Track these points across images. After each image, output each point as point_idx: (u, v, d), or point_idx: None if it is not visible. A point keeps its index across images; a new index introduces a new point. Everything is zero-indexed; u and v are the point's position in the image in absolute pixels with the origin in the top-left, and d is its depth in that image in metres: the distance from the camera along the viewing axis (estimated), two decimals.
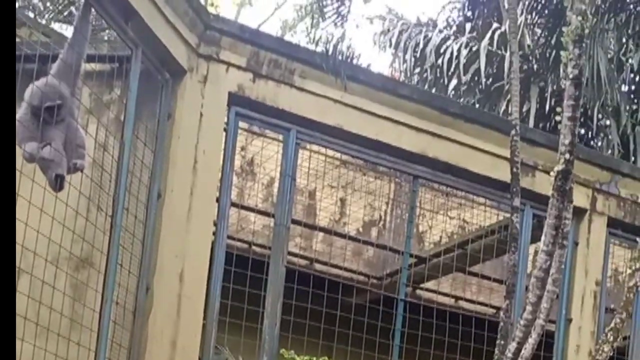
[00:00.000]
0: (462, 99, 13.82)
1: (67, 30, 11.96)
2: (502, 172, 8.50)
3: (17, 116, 6.05)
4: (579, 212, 9.00)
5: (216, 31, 7.72)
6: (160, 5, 7.02)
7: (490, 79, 14.25)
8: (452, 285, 11.31)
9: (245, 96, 7.92)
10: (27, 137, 6.03)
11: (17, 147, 6.04)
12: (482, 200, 9.86)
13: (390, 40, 14.13)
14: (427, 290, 11.10)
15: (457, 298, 11.07)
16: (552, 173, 5.91)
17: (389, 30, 14.21)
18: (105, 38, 7.77)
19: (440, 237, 11.90)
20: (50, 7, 12.74)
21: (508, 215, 8.31)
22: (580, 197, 9.07)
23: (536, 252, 7.92)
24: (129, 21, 6.71)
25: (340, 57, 8.38)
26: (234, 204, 8.50)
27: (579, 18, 5.62)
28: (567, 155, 5.78)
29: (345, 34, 8.94)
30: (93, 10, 6.36)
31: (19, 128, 6.03)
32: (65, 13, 12.57)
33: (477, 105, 14.00)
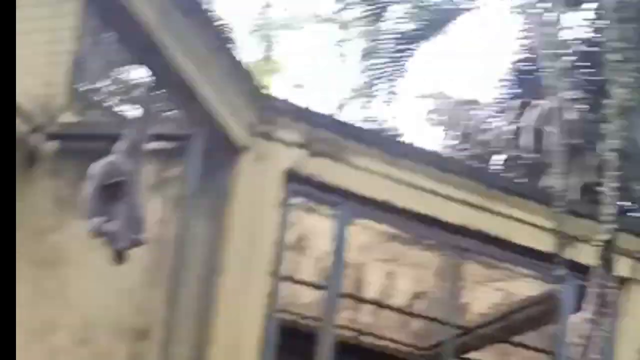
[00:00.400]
0: (506, 174, 13.70)
1: (132, 112, 12.16)
2: (545, 244, 8.41)
3: (84, 192, 6.08)
4: (621, 282, 8.82)
5: (272, 111, 7.75)
6: (221, 87, 7.06)
7: (534, 154, 14.12)
8: (496, 356, 11.10)
9: (299, 173, 7.90)
10: (92, 212, 6.05)
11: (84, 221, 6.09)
12: (526, 271, 9.71)
13: (439, 118, 14.12)
14: None
15: None
16: (595, 243, 5.81)
17: (437, 108, 14.22)
18: (168, 118, 7.80)
19: (485, 308, 11.71)
20: (117, 91, 12.94)
21: (552, 285, 8.16)
22: (623, 267, 8.87)
23: (580, 322, 7.84)
24: (190, 102, 6.75)
25: (390, 134, 8.36)
26: (286, 278, 8.43)
27: (622, 91, 5.57)
28: (609, 226, 5.69)
29: (395, 112, 8.98)
30: (158, 91, 6.40)
31: (85, 203, 6.06)
32: (130, 96, 12.76)
33: (520, 180, 13.86)
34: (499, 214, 8.65)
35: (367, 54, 9.30)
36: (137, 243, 6.22)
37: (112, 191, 6.05)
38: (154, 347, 6.66)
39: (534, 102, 13.89)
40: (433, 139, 14.51)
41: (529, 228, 8.72)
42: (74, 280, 5.71)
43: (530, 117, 13.63)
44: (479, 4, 10.57)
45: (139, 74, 13.96)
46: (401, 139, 8.67)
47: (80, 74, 12.87)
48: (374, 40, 9.25)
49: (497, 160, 14.17)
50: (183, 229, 6.72)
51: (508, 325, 10.08)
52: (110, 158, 6.11)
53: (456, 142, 13.89)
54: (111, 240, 6.03)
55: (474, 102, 14.42)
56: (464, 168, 8.97)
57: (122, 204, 6.13)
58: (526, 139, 13.48)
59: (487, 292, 11.44)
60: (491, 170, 12.64)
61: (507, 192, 8.71)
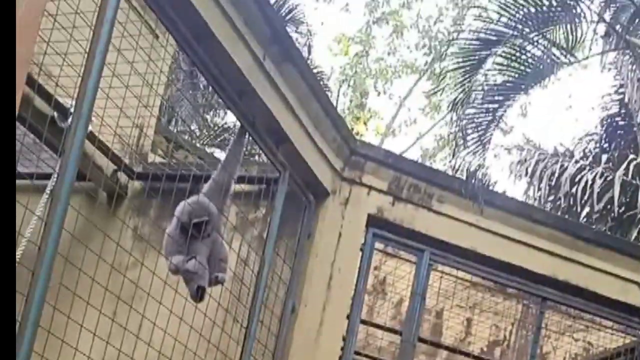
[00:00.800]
0: (594, 226, 13.33)
1: (220, 154, 12.25)
2: (631, 296, 8.15)
3: (167, 230, 6.03)
4: None
5: (361, 156, 7.61)
6: (310, 131, 6.96)
7: (623, 208, 13.73)
8: None
9: (384, 218, 7.73)
10: (174, 250, 5.99)
11: (164, 259, 6.02)
12: (608, 323, 9.34)
13: (527, 169, 13.87)
14: None
15: None
16: None
17: (525, 160, 13.96)
18: (256, 160, 7.75)
19: (564, 358, 11.34)
20: (206, 133, 13.04)
21: (634, 337, 7.84)
22: None
23: None
24: (279, 146, 6.66)
25: (478, 183, 8.16)
26: (363, 321, 8.25)
27: None
28: None
29: (484, 162, 8.76)
30: (247, 135, 6.33)
31: (168, 241, 6.00)
32: (219, 139, 12.86)
33: (608, 232, 13.49)
34: (584, 265, 8.33)
35: (458, 104, 9.10)
36: (217, 282, 6.15)
37: (196, 231, 5.99)
38: None
39: (628, 155, 13.58)
40: (519, 190, 14.26)
41: (614, 280, 8.38)
42: (151, 316, 5.62)
43: (621, 171, 13.29)
44: (576, 59, 10.23)
45: (228, 117, 14.20)
46: (488, 188, 8.38)
47: (170, 116, 13.08)
48: (466, 91, 9.05)
49: (586, 212, 13.83)
50: (264, 269, 6.57)
51: None
52: (196, 198, 6.04)
53: (542, 193, 13.59)
54: (191, 278, 5.96)
55: (565, 154, 14.12)
56: (551, 218, 8.64)
57: (204, 243, 6.07)
58: (617, 192, 13.10)
59: (568, 343, 11.10)
60: (578, 222, 12.26)
61: (594, 244, 8.37)
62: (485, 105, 9.10)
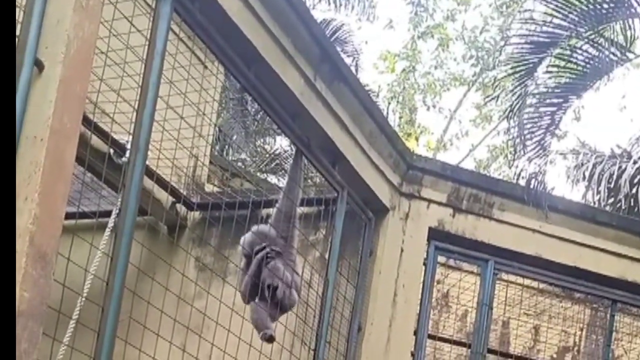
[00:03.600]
0: None
1: (274, 179, 12.32)
2: None
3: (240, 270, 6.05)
4: None
5: (418, 170, 7.56)
6: (366, 148, 6.93)
7: None
8: None
9: (445, 230, 7.69)
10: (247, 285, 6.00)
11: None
12: None
13: (584, 173, 13.63)
14: None
15: None
16: None
17: (582, 164, 13.73)
18: (313, 182, 7.74)
19: None
20: (258, 160, 13.09)
21: None
22: None
23: None
24: (336, 165, 6.64)
25: (540, 188, 8.07)
26: (430, 336, 8.16)
27: None
28: None
29: (545, 166, 8.65)
30: (303, 157, 6.31)
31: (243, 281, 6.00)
32: (273, 164, 12.91)
33: None
34: None
35: (514, 111, 8.99)
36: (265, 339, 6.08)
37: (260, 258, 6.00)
38: None
39: None
40: (577, 195, 14.02)
41: None
42: (220, 344, 5.61)
43: None
44: (635, 54, 10.07)
45: (279, 142, 14.26)
46: (550, 193, 8.28)
47: (222, 145, 13.15)
48: (521, 96, 8.95)
49: None
50: (328, 289, 6.53)
51: None
52: (256, 227, 6.06)
53: (601, 196, 13.36)
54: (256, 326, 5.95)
55: (622, 156, 13.87)
56: (616, 219, 8.48)
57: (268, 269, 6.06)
58: None
59: None
60: None
61: None
62: (543, 109, 9.00)
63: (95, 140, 5.63)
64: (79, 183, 5.60)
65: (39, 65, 3.86)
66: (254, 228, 6.03)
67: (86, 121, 4.78)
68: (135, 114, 4.59)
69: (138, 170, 4.50)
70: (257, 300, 5.98)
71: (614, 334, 9.16)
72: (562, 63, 9.27)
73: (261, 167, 13.09)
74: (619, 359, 11.12)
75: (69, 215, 4.35)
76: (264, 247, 5.96)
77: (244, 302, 6.07)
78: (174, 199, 7.09)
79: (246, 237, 6.00)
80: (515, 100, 9.04)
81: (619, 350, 11.12)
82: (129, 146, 4.67)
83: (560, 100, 9.09)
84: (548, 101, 8.99)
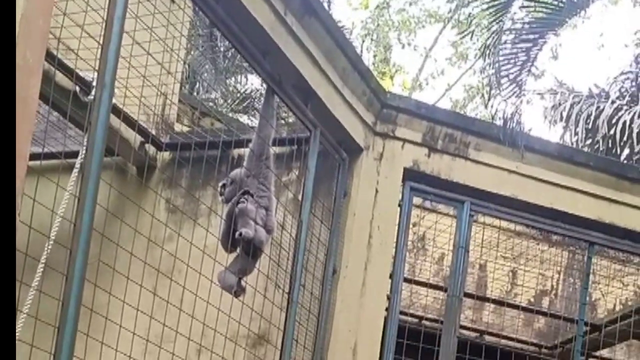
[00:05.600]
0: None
1: (246, 120, 12.30)
2: None
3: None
4: None
5: (393, 109, 7.55)
6: (339, 86, 6.91)
7: None
8: (627, 354, 10.68)
9: (420, 171, 7.69)
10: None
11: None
12: None
13: (562, 114, 13.68)
14: (602, 359, 10.48)
15: None
16: None
17: (560, 104, 13.77)
18: (286, 122, 7.73)
19: (614, 304, 11.28)
20: (230, 100, 13.04)
21: None
22: None
23: None
24: (308, 103, 6.62)
25: (517, 127, 8.09)
26: (406, 279, 8.23)
27: None
28: None
29: (521, 104, 8.67)
30: (275, 95, 6.29)
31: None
32: (244, 105, 12.89)
33: None
34: (631, 205, 8.25)
35: (489, 48, 8.99)
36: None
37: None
38: (272, 352, 6.56)
39: None
40: (554, 136, 14.08)
41: None
42: (192, 288, 5.64)
43: None
44: None
45: (250, 82, 14.22)
46: (526, 133, 8.30)
47: (193, 84, 13.09)
48: (496, 32, 8.93)
49: (626, 154, 13.67)
50: (301, 232, 6.56)
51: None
52: (233, 172, 6.09)
53: (579, 137, 13.45)
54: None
55: (600, 95, 13.92)
56: (594, 160, 8.50)
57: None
58: None
59: (618, 288, 11.04)
60: (622, 162, 12.11)
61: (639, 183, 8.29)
62: (519, 45, 8.99)
63: (61, 78, 5.58)
64: (44, 123, 5.57)
65: None
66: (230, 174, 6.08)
67: (50, 57, 4.74)
68: (100, 49, 4.55)
69: (104, 108, 4.47)
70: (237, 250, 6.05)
71: (591, 277, 9.26)
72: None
73: (232, 107, 13.05)
74: (597, 303, 11.29)
75: (34, 156, 4.34)
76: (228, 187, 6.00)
77: (226, 252, 6.11)
78: (142, 139, 7.06)
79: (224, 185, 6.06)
80: (491, 36, 9.03)
81: (596, 294, 11.28)
82: (95, 83, 4.64)
83: (536, 36, 9.07)
84: (524, 37, 8.98)
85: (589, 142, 13.50)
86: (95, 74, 4.59)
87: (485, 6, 9.23)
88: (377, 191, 7.45)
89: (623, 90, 14.49)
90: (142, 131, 6.87)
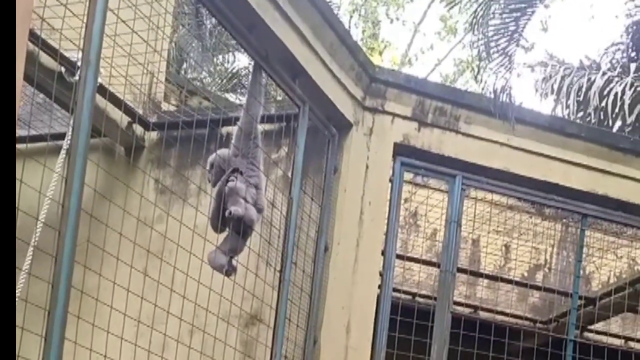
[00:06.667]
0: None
1: (233, 98, 12.29)
2: None
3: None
4: None
5: (381, 83, 7.54)
6: (327, 61, 6.90)
7: None
8: (622, 326, 10.75)
9: (411, 145, 7.70)
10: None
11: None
12: None
13: (552, 87, 13.66)
14: (596, 332, 10.55)
15: (627, 339, 10.49)
16: None
17: (550, 76, 13.75)
18: (274, 99, 7.72)
19: (609, 277, 11.34)
20: (218, 80, 13.03)
21: None
22: None
23: None
24: (296, 79, 6.61)
25: (507, 99, 8.10)
26: (398, 256, 8.26)
27: None
28: None
29: (512, 76, 8.67)
30: (263, 72, 6.29)
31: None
32: (232, 84, 12.88)
33: None
34: (623, 176, 8.27)
35: (478, 18, 8.97)
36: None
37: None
38: (265, 332, 6.58)
39: None
40: (546, 109, 14.07)
41: None
42: (183, 268, 5.66)
43: None
44: None
45: (239, 59, 14.20)
46: (517, 105, 8.30)
47: (180, 63, 13.06)
48: (483, 3, 8.93)
49: (618, 126, 13.68)
50: (292, 209, 6.57)
51: (634, 293, 9.65)
52: (220, 151, 6.09)
53: (570, 110, 13.45)
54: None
55: (591, 67, 13.91)
56: (586, 131, 8.50)
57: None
58: None
59: (612, 260, 11.08)
60: (614, 133, 12.12)
61: (633, 154, 8.29)
62: (507, 15, 8.98)
63: (45, 58, 5.58)
64: (30, 104, 5.57)
65: None
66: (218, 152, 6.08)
67: (34, 37, 4.73)
68: (84, 28, 4.55)
69: (90, 86, 4.47)
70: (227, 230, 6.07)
71: (585, 249, 9.30)
72: None
73: (220, 85, 13.06)
74: (591, 275, 11.34)
75: (21, 139, 4.34)
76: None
77: (216, 233, 6.12)
78: (129, 119, 7.05)
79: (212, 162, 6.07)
80: (479, 6, 9.02)
81: (590, 267, 11.34)
82: (80, 63, 4.64)
83: (524, 5, 9.07)
84: (512, 6, 8.97)
85: (580, 114, 13.50)
86: (80, 53, 4.59)
87: None
88: (367, 167, 7.46)
89: (614, 61, 14.48)
90: (129, 111, 6.86)
